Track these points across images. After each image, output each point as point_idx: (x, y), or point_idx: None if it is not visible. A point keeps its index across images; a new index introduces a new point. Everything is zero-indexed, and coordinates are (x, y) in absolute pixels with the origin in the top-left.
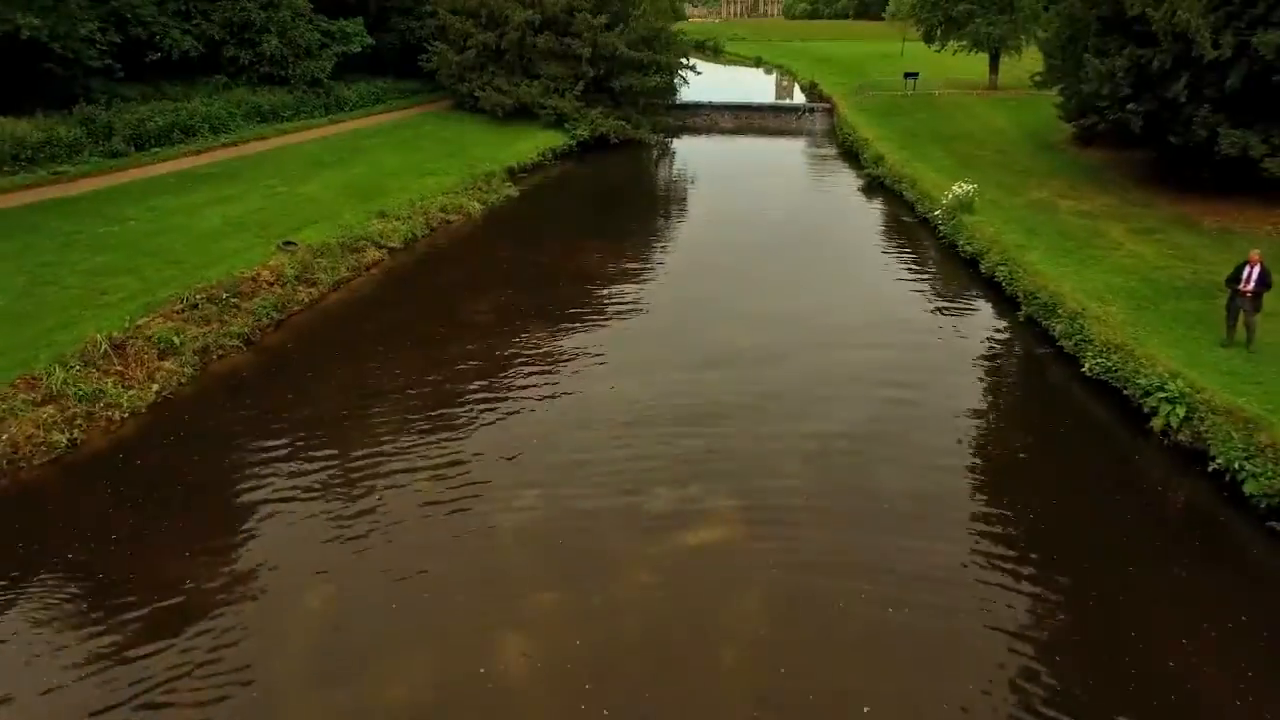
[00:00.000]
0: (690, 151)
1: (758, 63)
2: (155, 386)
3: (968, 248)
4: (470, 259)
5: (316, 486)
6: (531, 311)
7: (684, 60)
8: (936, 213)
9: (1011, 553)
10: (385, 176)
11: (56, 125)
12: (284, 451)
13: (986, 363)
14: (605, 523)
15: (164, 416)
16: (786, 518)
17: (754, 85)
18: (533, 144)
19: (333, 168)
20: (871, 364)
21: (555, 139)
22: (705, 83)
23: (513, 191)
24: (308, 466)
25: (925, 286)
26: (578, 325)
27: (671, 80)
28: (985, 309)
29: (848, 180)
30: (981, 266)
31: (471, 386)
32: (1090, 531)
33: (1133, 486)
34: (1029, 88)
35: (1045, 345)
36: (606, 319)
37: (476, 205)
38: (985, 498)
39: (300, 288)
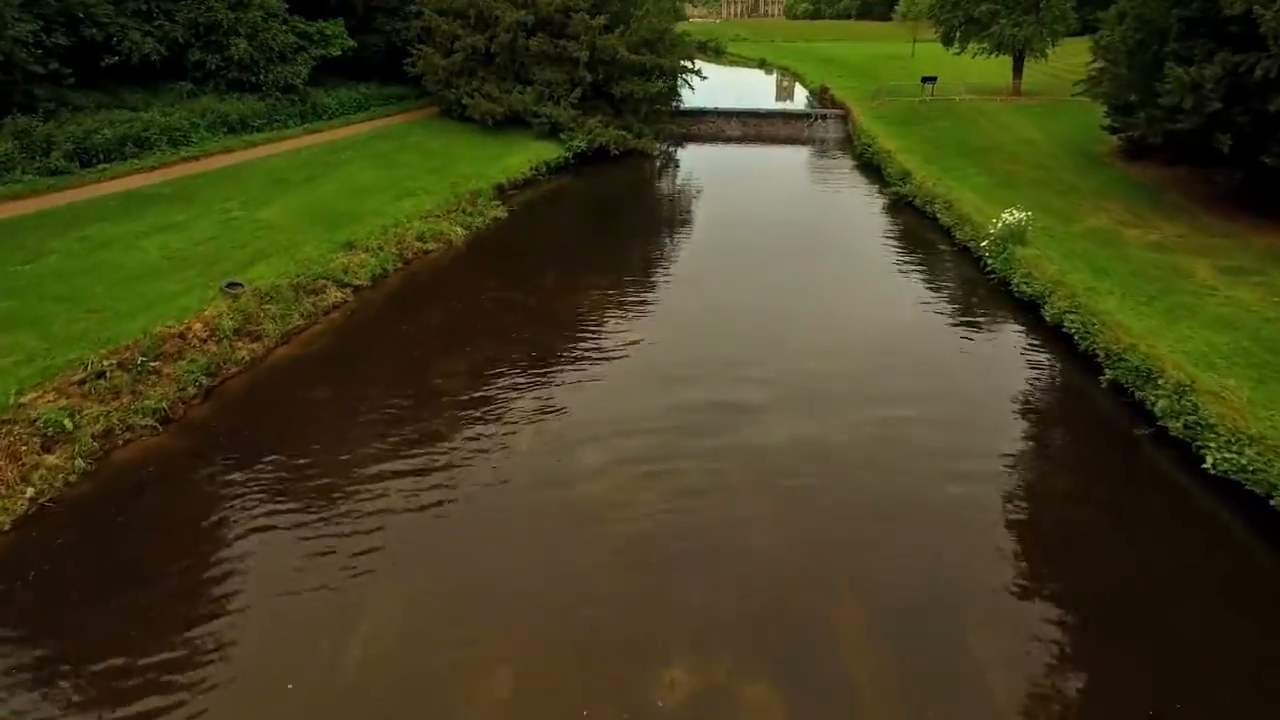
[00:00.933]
0: (695, 163)
1: (762, 64)
2: (29, 491)
3: (1025, 288)
4: (447, 299)
5: (207, 651)
6: (514, 373)
7: (688, 64)
8: (983, 243)
9: None
10: (358, 197)
11: None
12: (176, 587)
13: (1070, 445)
14: None
15: (33, 537)
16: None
17: (759, 88)
18: (524, 157)
19: (301, 187)
20: (925, 442)
21: (549, 151)
22: (709, 85)
23: (500, 213)
24: (202, 615)
25: (979, 336)
26: (567, 393)
27: (675, 85)
28: (1055, 368)
29: (871, 198)
30: (1045, 313)
31: (428, 491)
32: None
33: None
34: (1054, 93)
35: (1142, 423)
36: (602, 383)
37: (459, 230)
38: (1111, 671)
39: (240, 343)
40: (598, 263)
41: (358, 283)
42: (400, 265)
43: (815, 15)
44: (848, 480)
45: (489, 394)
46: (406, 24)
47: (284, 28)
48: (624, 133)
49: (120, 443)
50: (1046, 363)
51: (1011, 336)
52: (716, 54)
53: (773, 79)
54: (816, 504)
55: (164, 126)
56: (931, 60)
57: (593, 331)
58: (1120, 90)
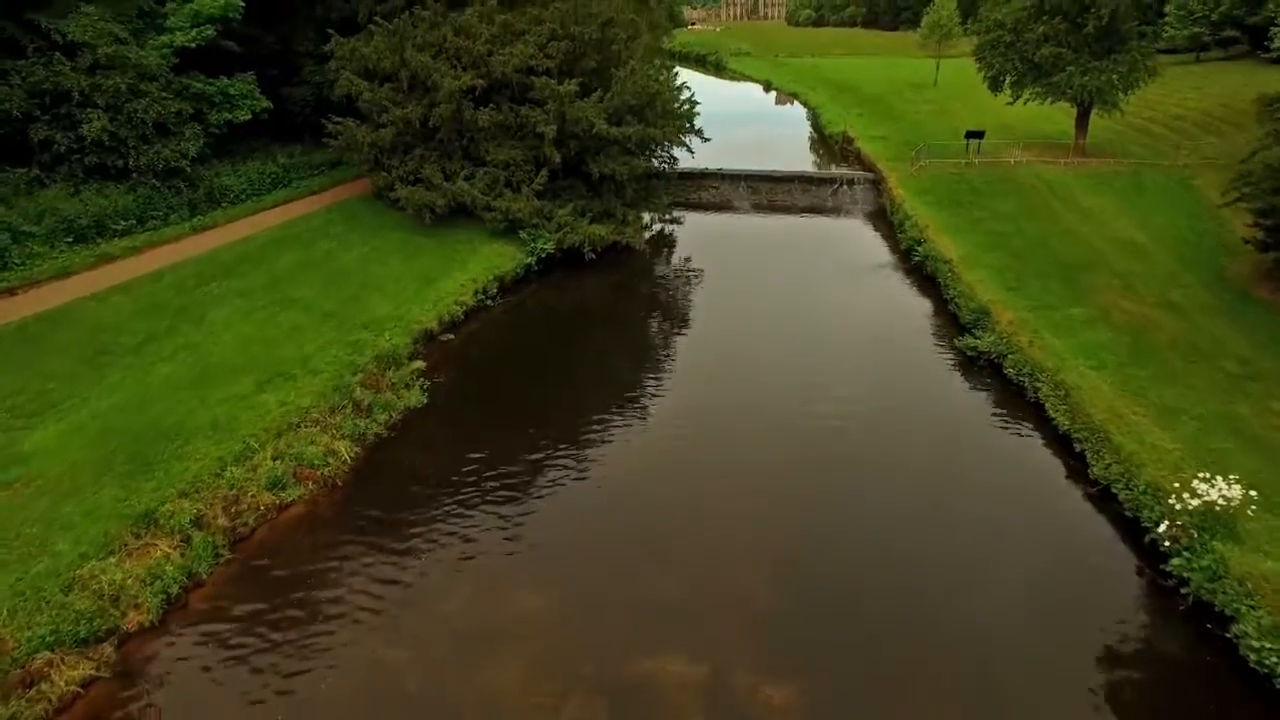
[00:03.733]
0: (694, 253)
1: (767, 87)
2: None
3: (1270, 650)
4: (282, 657)
5: None
6: None
7: (689, 124)
8: (1160, 526)
9: None
10: (203, 386)
11: None
12: None
13: None
14: None
15: None
16: None
17: (759, 97)
18: (468, 274)
19: (125, 361)
20: None
21: (504, 257)
22: (709, 109)
23: (416, 397)
24: None
25: None
26: None
27: (669, 152)
28: None
29: (939, 349)
30: None
31: None
32: None
33: None
34: (1121, 151)
35: None
36: None
37: (344, 449)
38: None
39: None
40: (545, 518)
41: (133, 622)
42: (227, 553)
43: (818, 22)
44: None
45: None
46: (337, 78)
47: (165, 93)
48: (602, 227)
49: None
50: None
51: None
52: (717, 68)
53: (772, 96)
54: None
55: None
56: (957, 86)
57: None
58: None
